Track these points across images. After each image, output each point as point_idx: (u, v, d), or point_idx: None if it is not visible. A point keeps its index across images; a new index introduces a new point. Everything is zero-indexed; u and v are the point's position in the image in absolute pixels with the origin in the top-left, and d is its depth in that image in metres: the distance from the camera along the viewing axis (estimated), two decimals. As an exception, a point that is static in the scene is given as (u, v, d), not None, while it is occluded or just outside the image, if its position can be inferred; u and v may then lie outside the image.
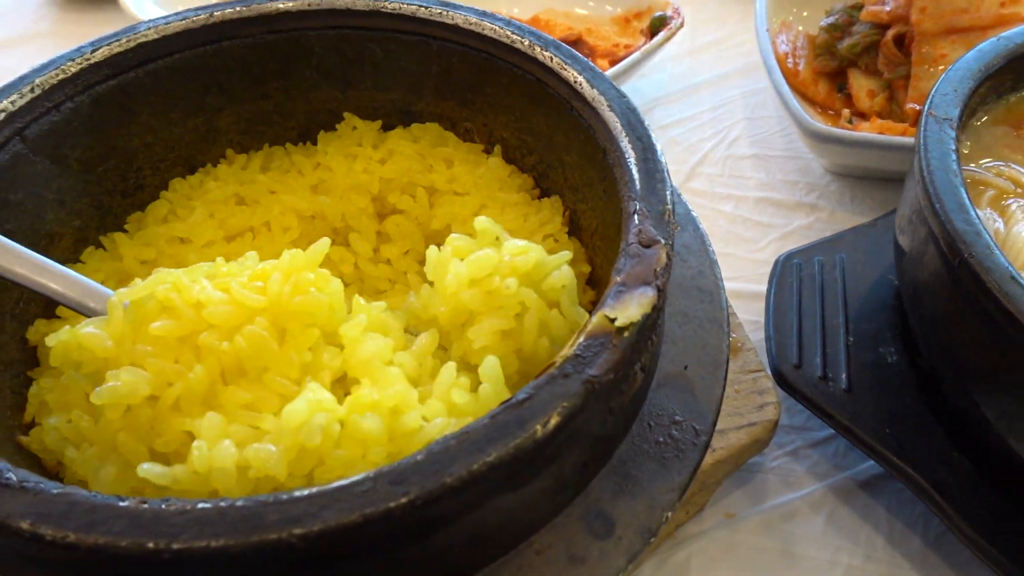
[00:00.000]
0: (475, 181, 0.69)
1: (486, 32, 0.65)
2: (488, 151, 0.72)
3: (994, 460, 0.64)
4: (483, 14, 0.66)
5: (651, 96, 1.22)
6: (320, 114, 0.74)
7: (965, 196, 0.58)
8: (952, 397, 0.67)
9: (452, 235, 0.56)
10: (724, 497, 0.73)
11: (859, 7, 1.08)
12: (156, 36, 0.65)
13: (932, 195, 0.59)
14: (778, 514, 0.72)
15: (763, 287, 0.81)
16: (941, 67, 0.97)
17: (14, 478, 0.39)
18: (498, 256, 0.52)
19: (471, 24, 0.66)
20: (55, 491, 0.38)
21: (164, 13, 1.23)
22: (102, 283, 0.62)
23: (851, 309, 0.77)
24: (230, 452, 0.43)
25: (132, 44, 0.64)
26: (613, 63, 1.10)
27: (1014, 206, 0.66)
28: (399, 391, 0.46)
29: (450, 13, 0.66)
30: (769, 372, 0.71)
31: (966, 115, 0.69)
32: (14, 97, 0.59)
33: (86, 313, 0.53)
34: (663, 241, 0.48)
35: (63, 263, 0.63)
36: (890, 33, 1.02)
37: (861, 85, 1.06)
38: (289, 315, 0.48)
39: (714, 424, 0.53)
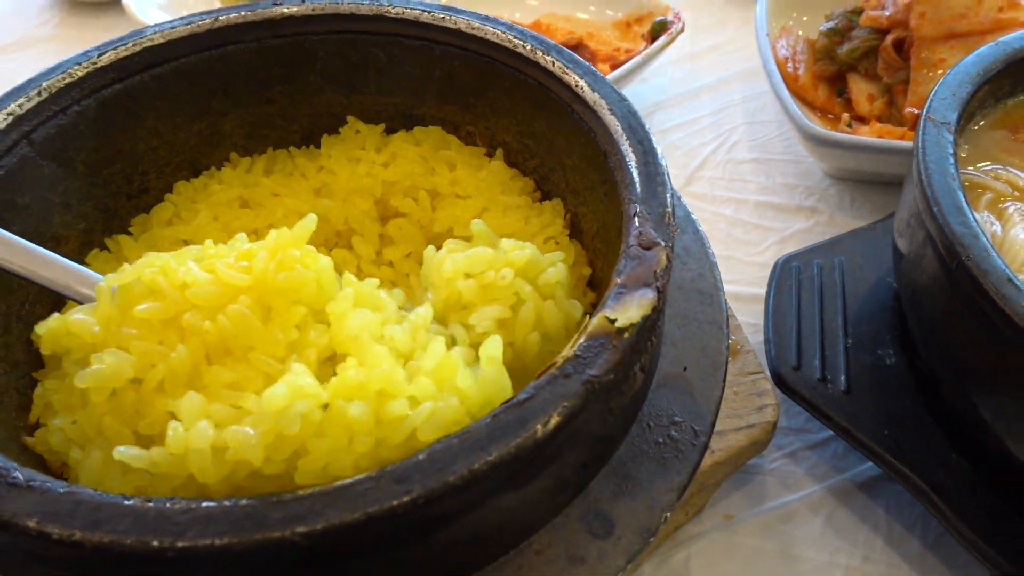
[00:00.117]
0: (477, 184, 0.69)
1: (488, 36, 0.66)
2: (490, 154, 0.72)
3: (992, 461, 0.64)
4: (485, 19, 0.67)
5: (652, 100, 1.23)
6: (324, 118, 0.74)
7: (963, 199, 0.59)
8: (950, 399, 0.67)
9: (449, 240, 0.56)
10: (723, 498, 0.74)
11: (858, 12, 1.08)
12: (162, 40, 0.66)
13: (930, 198, 0.59)
14: (777, 515, 0.73)
15: (763, 290, 0.81)
16: (940, 71, 0.98)
17: (21, 477, 0.39)
18: (494, 253, 0.53)
19: (473, 28, 0.66)
20: (61, 490, 0.39)
21: (167, 17, 1.24)
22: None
23: (850, 311, 0.78)
24: (206, 434, 0.42)
25: (138, 48, 0.65)
26: (614, 67, 1.11)
27: (1011, 209, 0.67)
28: (385, 371, 0.44)
29: (453, 18, 0.67)
30: (768, 374, 0.71)
31: (964, 119, 0.69)
32: (21, 101, 0.60)
33: (80, 300, 0.53)
34: (663, 243, 0.49)
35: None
36: (889, 38, 1.03)
37: (861, 89, 1.06)
38: (274, 293, 0.47)
39: (713, 425, 0.53)
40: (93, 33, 1.43)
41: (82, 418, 0.50)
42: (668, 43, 1.13)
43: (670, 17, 1.18)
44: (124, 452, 0.43)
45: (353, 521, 0.37)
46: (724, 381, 0.56)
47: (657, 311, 0.46)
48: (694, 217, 0.66)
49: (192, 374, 0.46)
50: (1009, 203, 0.68)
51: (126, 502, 0.38)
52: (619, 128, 0.56)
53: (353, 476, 0.39)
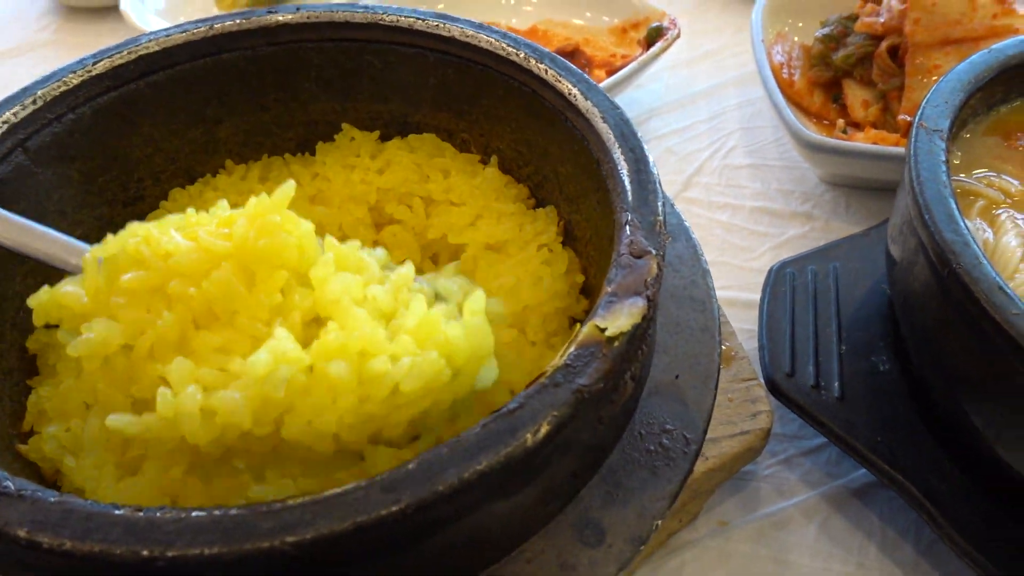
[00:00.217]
0: (471, 191, 0.70)
1: (482, 44, 0.66)
2: (484, 162, 0.73)
3: (984, 468, 0.65)
4: (479, 26, 0.67)
5: (648, 106, 1.23)
6: (319, 125, 0.74)
7: (954, 207, 0.59)
8: (943, 406, 0.67)
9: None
10: (717, 505, 0.74)
11: (853, 18, 1.09)
12: (157, 48, 0.66)
13: (922, 206, 0.60)
14: (771, 522, 0.73)
15: (758, 295, 0.81)
16: (934, 78, 0.98)
17: (12, 487, 0.40)
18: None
19: (467, 36, 0.67)
20: (52, 499, 0.39)
21: (165, 23, 1.25)
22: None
23: (844, 318, 0.78)
24: (195, 399, 0.43)
25: (133, 56, 0.65)
26: (610, 73, 1.11)
27: (1003, 216, 0.67)
28: (365, 333, 0.45)
29: (446, 25, 0.67)
30: (762, 380, 0.71)
31: (957, 126, 0.69)
32: (16, 109, 0.60)
33: (71, 271, 0.53)
34: (654, 252, 0.49)
35: (63, 272, 0.64)
36: (884, 44, 1.03)
37: (856, 95, 1.07)
38: (256, 258, 0.47)
39: (705, 433, 0.53)
40: (92, 38, 1.44)
41: (76, 387, 0.52)
42: (664, 49, 1.13)
43: (666, 23, 1.18)
44: (117, 419, 0.44)
45: (342, 530, 0.37)
46: (716, 389, 0.56)
47: (647, 320, 0.46)
48: (687, 224, 0.67)
49: (180, 339, 0.47)
50: (1002, 210, 0.68)
51: (116, 511, 0.38)
52: (611, 136, 0.57)
53: (337, 432, 0.42)
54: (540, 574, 0.46)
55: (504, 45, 0.65)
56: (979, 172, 0.71)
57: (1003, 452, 0.59)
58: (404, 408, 0.45)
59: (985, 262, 0.55)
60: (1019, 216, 0.67)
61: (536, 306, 0.61)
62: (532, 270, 0.63)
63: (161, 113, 0.68)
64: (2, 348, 0.58)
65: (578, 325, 0.46)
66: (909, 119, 0.98)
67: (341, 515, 0.37)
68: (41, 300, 0.49)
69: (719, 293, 0.64)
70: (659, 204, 0.52)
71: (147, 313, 0.47)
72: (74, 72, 0.63)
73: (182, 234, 0.49)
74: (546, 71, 0.63)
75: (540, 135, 0.67)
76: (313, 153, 0.74)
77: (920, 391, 0.71)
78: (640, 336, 0.46)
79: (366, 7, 0.69)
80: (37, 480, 0.53)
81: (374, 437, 0.47)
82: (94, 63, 0.64)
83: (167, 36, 0.67)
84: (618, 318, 0.45)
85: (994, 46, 0.73)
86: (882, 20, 1.03)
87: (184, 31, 0.67)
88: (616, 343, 0.44)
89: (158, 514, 0.38)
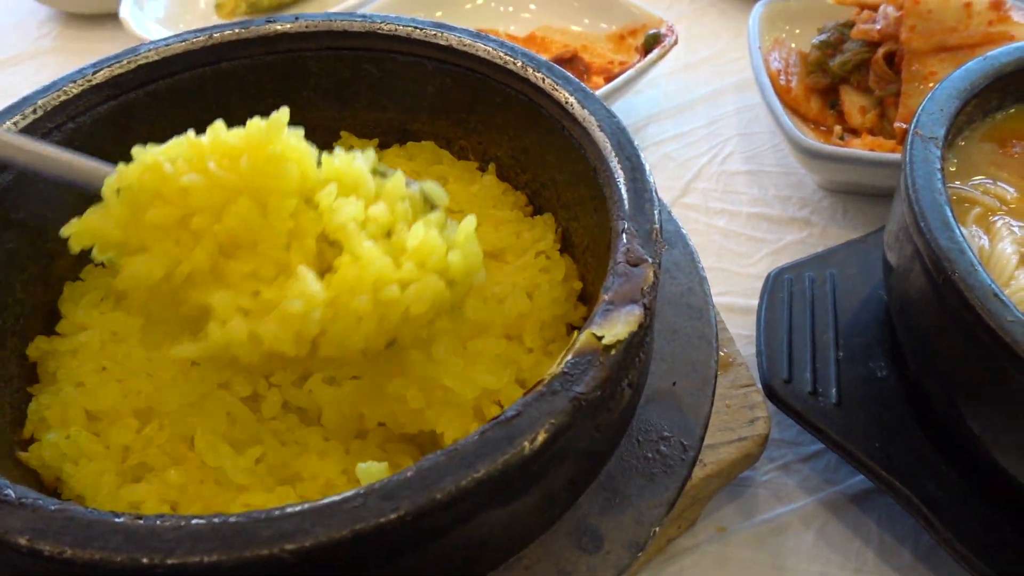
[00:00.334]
0: (469, 199, 0.70)
1: (479, 53, 0.66)
2: (482, 169, 0.73)
3: (982, 473, 0.65)
4: (476, 35, 0.68)
5: (645, 112, 1.23)
6: (318, 132, 0.74)
7: (950, 214, 0.59)
8: (940, 412, 0.68)
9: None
10: (715, 511, 0.74)
11: (850, 25, 1.09)
12: (157, 57, 0.67)
13: (917, 213, 0.60)
14: (769, 528, 0.73)
15: (755, 301, 0.82)
16: (931, 84, 0.99)
17: (12, 494, 0.40)
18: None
19: (465, 45, 0.67)
20: (52, 507, 0.39)
21: (165, 31, 1.25)
22: (100, 302, 0.63)
23: (841, 324, 0.78)
24: (243, 328, 0.48)
25: (133, 65, 0.66)
26: (608, 80, 1.11)
27: (999, 223, 0.67)
28: (377, 267, 0.49)
29: (444, 34, 0.68)
30: (760, 387, 0.71)
31: (952, 133, 0.70)
32: (16, 118, 0.60)
33: (92, 191, 0.54)
34: (650, 260, 0.49)
35: (63, 280, 0.65)
36: (881, 51, 1.04)
37: (853, 102, 1.07)
38: (267, 191, 0.50)
39: (702, 439, 0.54)
40: (93, 46, 1.44)
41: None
42: (662, 56, 1.14)
43: (664, 30, 1.19)
44: (181, 348, 0.49)
45: (341, 538, 0.37)
46: (713, 396, 0.56)
47: (644, 328, 0.47)
48: (684, 231, 0.67)
49: (213, 268, 0.51)
50: (997, 217, 0.68)
51: (117, 519, 0.39)
52: (608, 144, 0.57)
53: (363, 347, 0.49)
54: (538, 581, 0.46)
55: (501, 54, 0.65)
56: (975, 179, 0.72)
57: (1000, 457, 0.59)
58: (414, 321, 0.51)
59: (980, 269, 0.55)
60: (1015, 223, 0.67)
61: (533, 313, 0.61)
62: (530, 277, 0.63)
63: (161, 122, 0.68)
64: (3, 356, 0.59)
65: (576, 332, 0.46)
66: (905, 126, 0.99)
67: (339, 523, 0.38)
68: (75, 229, 0.52)
69: (717, 299, 0.64)
70: (655, 212, 0.52)
71: (177, 245, 0.50)
72: (74, 82, 0.63)
73: (190, 165, 0.51)
74: (543, 80, 0.63)
75: (538, 143, 0.67)
76: (312, 161, 0.74)
77: (917, 397, 0.71)
78: (637, 344, 0.47)
79: (364, 16, 0.70)
80: (38, 487, 0.54)
81: (390, 342, 0.53)
82: (94, 72, 0.64)
83: (166, 46, 0.67)
84: (615, 326, 0.45)
85: (989, 53, 0.73)
86: (878, 27, 1.04)
87: (183, 40, 0.68)
88: (613, 351, 0.45)
89: (158, 522, 0.38)
